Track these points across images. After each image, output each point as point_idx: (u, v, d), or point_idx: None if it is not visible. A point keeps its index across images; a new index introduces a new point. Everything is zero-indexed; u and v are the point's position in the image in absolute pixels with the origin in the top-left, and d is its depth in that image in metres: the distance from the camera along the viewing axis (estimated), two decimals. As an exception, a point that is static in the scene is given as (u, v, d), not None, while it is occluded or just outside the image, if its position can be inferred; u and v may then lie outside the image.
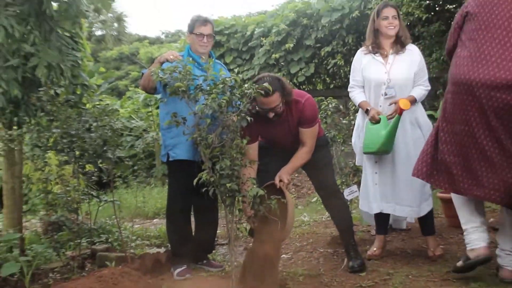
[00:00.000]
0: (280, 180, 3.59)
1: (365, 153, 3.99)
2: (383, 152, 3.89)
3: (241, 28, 10.05)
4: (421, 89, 3.94)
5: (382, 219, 4.11)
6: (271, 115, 3.58)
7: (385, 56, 3.99)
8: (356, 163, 4.30)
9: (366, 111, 3.96)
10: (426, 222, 4.04)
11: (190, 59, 3.67)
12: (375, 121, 3.88)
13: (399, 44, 3.99)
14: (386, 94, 3.92)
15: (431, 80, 4.14)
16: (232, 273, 3.32)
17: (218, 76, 3.35)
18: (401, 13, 7.61)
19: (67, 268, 4.15)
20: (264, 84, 3.33)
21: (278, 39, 9.26)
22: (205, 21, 3.96)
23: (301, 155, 3.74)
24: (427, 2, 7.66)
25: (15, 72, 3.89)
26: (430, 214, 4.02)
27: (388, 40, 4.00)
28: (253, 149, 3.60)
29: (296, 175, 8.09)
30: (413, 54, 3.99)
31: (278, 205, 3.27)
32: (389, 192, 3.96)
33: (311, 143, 3.75)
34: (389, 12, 3.96)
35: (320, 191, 4.01)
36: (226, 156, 3.21)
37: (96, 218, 4.96)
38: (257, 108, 3.52)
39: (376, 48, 4.01)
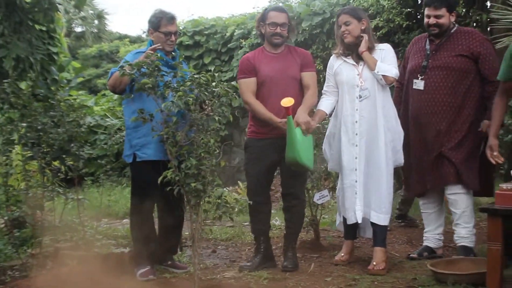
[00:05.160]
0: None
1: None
2: (299, 165, 3.74)
3: (221, 29, 9.98)
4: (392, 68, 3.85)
5: (350, 224, 3.96)
6: (278, 30, 3.87)
7: (357, 59, 3.93)
8: (329, 169, 4.20)
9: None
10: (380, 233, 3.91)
11: (158, 54, 3.57)
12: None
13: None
14: (360, 97, 3.84)
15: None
16: (195, 274, 3.22)
17: (188, 73, 3.30)
18: (381, 19, 7.82)
19: (27, 266, 3.97)
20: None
21: (258, 41, 9.21)
22: (172, 19, 3.85)
23: (309, 97, 3.94)
24: (408, 9, 7.75)
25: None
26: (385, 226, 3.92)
27: (352, 46, 3.93)
28: (251, 83, 3.89)
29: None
30: (383, 51, 3.92)
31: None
32: (370, 198, 3.87)
33: (315, 86, 3.99)
34: (341, 19, 3.92)
35: (287, 194, 4.01)
36: (193, 155, 3.17)
37: (62, 216, 4.57)
38: (267, 29, 3.89)
39: (347, 51, 3.96)
